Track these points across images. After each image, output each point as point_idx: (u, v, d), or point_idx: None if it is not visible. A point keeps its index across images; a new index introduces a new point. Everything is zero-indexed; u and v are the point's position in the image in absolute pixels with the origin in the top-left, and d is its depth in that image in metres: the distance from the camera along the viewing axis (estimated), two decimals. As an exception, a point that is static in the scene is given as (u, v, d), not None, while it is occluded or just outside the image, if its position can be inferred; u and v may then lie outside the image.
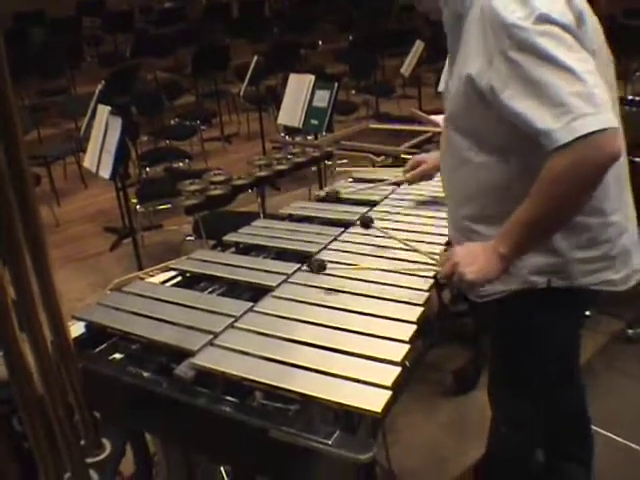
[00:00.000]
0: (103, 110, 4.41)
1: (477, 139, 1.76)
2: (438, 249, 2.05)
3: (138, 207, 5.13)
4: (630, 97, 4.72)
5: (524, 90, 1.52)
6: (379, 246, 2.07)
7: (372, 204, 2.51)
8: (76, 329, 1.73)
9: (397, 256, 2.00)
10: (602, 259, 1.80)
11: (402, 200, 2.55)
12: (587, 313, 3.48)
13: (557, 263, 1.79)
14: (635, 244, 1.87)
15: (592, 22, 1.66)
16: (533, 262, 1.80)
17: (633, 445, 2.84)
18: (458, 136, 1.80)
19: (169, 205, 5.17)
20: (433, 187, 2.67)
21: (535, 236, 1.67)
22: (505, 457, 2.32)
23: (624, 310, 3.63)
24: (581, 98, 1.46)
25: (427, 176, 2.51)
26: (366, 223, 2.23)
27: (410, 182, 2.54)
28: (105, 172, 4.23)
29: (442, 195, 2.52)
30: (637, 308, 3.61)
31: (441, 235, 2.14)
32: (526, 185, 1.60)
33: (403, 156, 3.23)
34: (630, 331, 3.62)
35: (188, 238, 4.82)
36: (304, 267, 1.88)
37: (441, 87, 2.04)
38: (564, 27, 1.52)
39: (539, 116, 1.50)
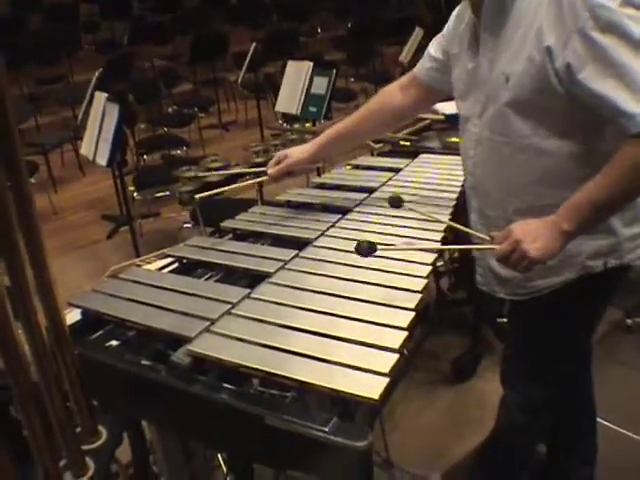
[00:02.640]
0: (100, 97, 4.39)
1: (546, 122, 1.72)
2: (438, 236, 2.03)
3: (135, 195, 5.12)
4: None
5: (605, 71, 1.51)
6: (377, 232, 2.06)
7: (370, 190, 2.49)
8: (72, 316, 1.72)
9: (396, 243, 1.98)
10: None
11: (402, 187, 2.52)
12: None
13: (612, 243, 1.80)
14: None
15: None
16: (592, 246, 1.80)
17: (629, 433, 2.85)
18: (520, 121, 1.75)
19: (167, 193, 5.16)
20: (433, 172, 2.67)
21: (600, 216, 1.67)
22: (512, 443, 2.31)
23: (623, 300, 3.63)
24: None
25: (291, 172, 2.32)
26: (396, 204, 2.17)
27: (274, 179, 2.33)
28: (102, 159, 4.22)
29: (439, 180, 2.53)
30: (636, 298, 3.60)
31: (440, 222, 2.13)
32: (591, 172, 1.60)
33: (402, 143, 3.22)
34: (629, 321, 3.63)
35: (186, 225, 4.82)
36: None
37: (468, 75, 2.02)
38: None
39: (622, 98, 1.50)
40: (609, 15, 1.49)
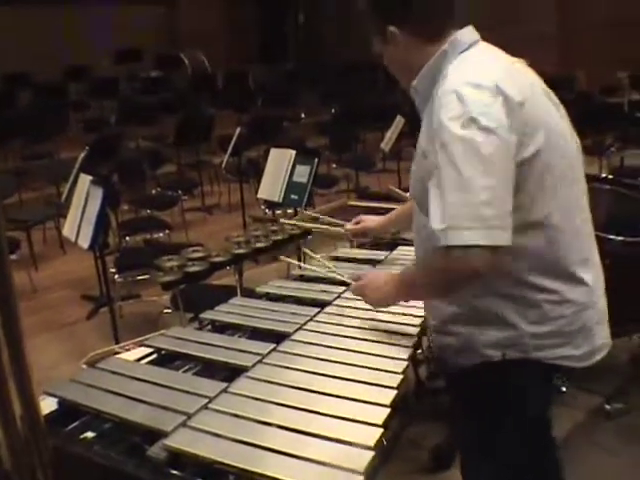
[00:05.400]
0: (84, 180, 4.43)
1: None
2: (412, 330, 2.07)
3: (116, 277, 5.12)
4: (603, 175, 5.00)
5: (435, 183, 1.64)
6: (355, 327, 2.09)
7: (349, 284, 2.52)
8: (48, 403, 1.72)
9: (373, 338, 2.01)
10: (557, 335, 1.80)
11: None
12: (563, 389, 3.52)
13: (511, 337, 1.80)
14: (600, 321, 1.88)
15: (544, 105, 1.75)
16: (488, 336, 1.82)
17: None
18: (419, 212, 1.87)
19: (147, 276, 5.16)
20: (410, 263, 2.72)
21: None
22: None
23: (602, 385, 3.64)
24: (465, 208, 1.57)
25: (365, 234, 2.86)
26: None
27: (350, 235, 2.87)
28: (84, 242, 4.23)
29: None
30: (615, 383, 3.61)
31: (415, 316, 2.16)
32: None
33: (380, 235, 3.27)
34: (608, 407, 3.62)
35: (166, 310, 4.80)
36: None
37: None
38: (491, 132, 1.58)
39: (433, 211, 1.63)
40: (444, 134, 1.61)
